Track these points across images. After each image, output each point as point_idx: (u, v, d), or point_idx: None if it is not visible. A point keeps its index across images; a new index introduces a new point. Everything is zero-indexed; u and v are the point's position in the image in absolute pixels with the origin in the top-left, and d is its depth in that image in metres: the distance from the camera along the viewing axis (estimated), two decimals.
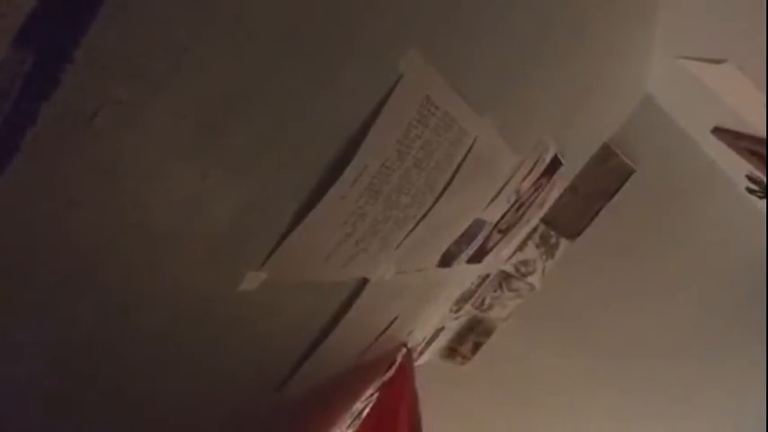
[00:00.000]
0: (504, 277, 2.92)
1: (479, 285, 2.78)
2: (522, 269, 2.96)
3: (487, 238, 2.04)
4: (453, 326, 2.93)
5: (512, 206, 2.02)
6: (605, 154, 2.81)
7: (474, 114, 1.20)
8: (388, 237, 1.27)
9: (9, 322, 0.66)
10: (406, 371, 2.21)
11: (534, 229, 2.84)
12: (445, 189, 1.32)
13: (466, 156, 1.29)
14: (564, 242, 3.02)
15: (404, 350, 2.29)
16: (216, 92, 0.65)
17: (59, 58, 0.49)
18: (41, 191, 0.57)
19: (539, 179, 2.06)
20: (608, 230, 3.03)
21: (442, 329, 2.83)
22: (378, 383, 2.27)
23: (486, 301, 2.95)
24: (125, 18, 0.51)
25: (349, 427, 2.29)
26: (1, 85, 0.47)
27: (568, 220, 2.95)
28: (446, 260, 1.79)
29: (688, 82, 2.04)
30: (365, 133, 0.92)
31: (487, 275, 2.76)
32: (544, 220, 2.84)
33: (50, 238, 0.62)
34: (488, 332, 3.13)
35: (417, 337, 2.44)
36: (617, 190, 2.97)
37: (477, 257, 2.12)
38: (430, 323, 2.56)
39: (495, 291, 2.94)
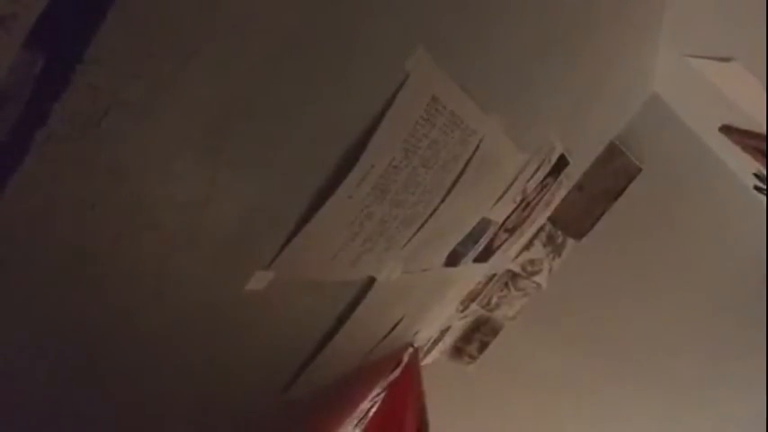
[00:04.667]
0: (511, 276, 2.92)
1: (486, 285, 2.78)
2: (529, 268, 2.95)
3: (494, 237, 2.04)
4: (460, 325, 2.92)
5: (518, 205, 2.01)
6: (612, 153, 2.80)
7: (481, 114, 1.20)
8: (394, 236, 1.27)
9: (14, 320, 0.66)
10: (412, 370, 2.20)
11: (541, 229, 2.83)
12: (452, 188, 1.32)
13: (472, 155, 1.29)
14: (570, 241, 3.01)
15: (410, 350, 2.29)
16: (224, 93, 0.65)
17: (70, 59, 0.49)
18: (52, 191, 0.57)
19: (545, 178, 2.06)
20: (615, 229, 3.02)
21: (448, 329, 2.82)
22: (384, 383, 2.27)
23: (493, 301, 2.94)
24: (134, 20, 0.51)
25: (356, 427, 2.29)
26: (12, 86, 0.47)
27: (575, 220, 2.94)
28: (452, 260, 1.79)
29: (695, 80, 2.03)
30: (372, 133, 0.92)
31: (494, 275, 2.76)
32: (551, 220, 2.83)
33: (60, 237, 0.62)
34: (495, 331, 3.12)
35: (424, 336, 2.44)
36: (623, 189, 2.95)
37: (483, 257, 2.12)
38: (436, 323, 2.55)
39: (501, 290, 2.93)
